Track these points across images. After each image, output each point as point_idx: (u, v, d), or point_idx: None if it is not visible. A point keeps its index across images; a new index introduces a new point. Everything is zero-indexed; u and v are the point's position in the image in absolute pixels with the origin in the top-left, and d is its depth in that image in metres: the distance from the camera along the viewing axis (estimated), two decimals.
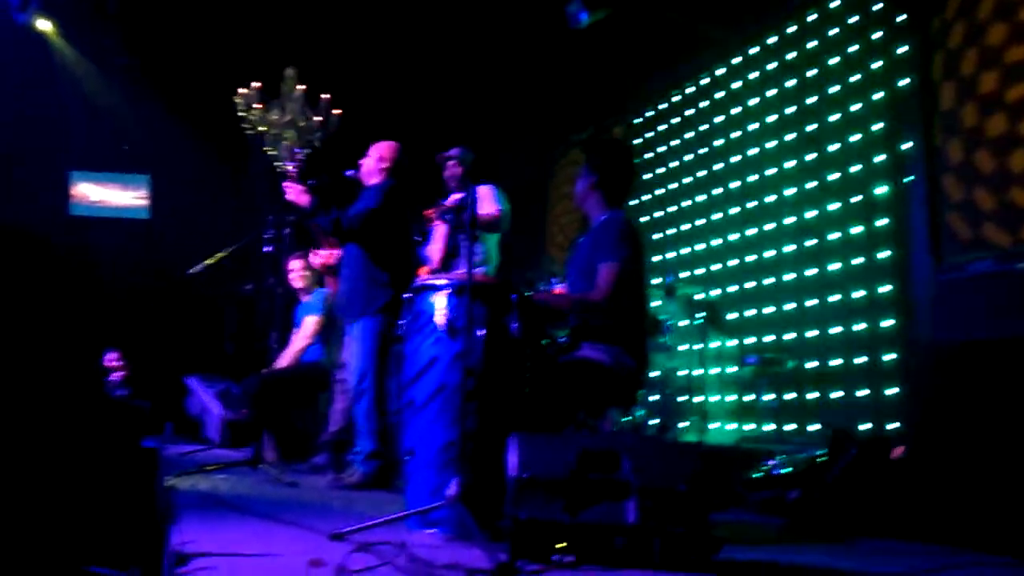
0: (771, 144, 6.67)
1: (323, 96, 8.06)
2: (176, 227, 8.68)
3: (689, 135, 7.80)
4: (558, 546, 2.14)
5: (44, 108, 8.70)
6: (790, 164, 6.43)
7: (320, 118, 8.04)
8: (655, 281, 6.19)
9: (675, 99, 8.07)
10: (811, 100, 6.29)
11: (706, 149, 7.50)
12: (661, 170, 8.16)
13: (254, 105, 7.86)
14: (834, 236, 5.90)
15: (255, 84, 7.85)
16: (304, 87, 8.04)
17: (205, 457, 5.04)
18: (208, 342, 7.49)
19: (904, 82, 5.39)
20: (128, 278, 8.57)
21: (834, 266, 5.87)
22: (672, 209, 7.90)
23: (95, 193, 9.54)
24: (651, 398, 6.03)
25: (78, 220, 9.28)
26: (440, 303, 2.72)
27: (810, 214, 6.16)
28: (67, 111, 8.82)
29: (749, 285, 6.70)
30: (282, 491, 3.64)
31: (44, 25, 8.41)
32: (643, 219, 8.17)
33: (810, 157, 6.22)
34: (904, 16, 5.39)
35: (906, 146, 5.31)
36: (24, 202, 8.53)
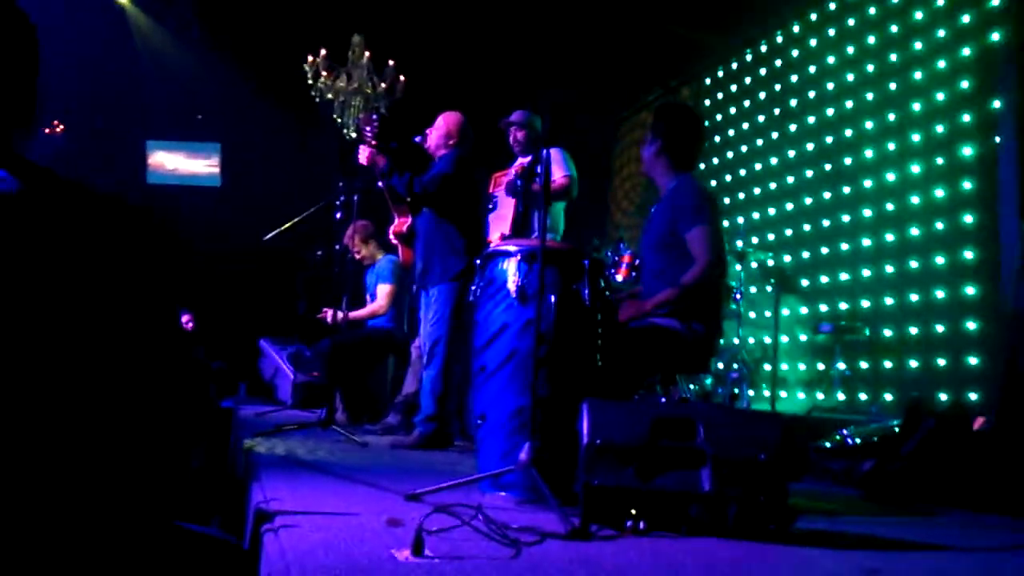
0: (849, 104, 6.45)
1: (389, 63, 8.10)
2: (248, 194, 8.89)
3: (762, 95, 7.59)
4: (631, 512, 2.14)
5: (121, 79, 8.96)
6: (869, 125, 6.21)
7: (386, 85, 8.08)
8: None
9: (747, 58, 7.84)
10: (893, 57, 6.04)
11: (779, 110, 7.29)
12: (731, 132, 7.98)
13: (322, 73, 7.95)
14: (916, 200, 5.69)
15: (323, 52, 7.93)
16: (370, 54, 8.09)
17: (279, 417, 5.18)
18: (281, 306, 7.69)
19: (995, 37, 5.11)
20: (203, 244, 8.84)
21: (915, 231, 5.67)
22: (743, 173, 7.73)
23: (170, 161, 9.83)
24: (720, 365, 5.96)
25: (155, 188, 9.59)
26: (511, 269, 2.72)
27: (890, 176, 5.95)
28: (143, 81, 9.07)
29: (824, 251, 6.54)
30: (354, 451, 3.73)
31: None
32: (712, 183, 8.01)
33: (892, 117, 5.99)
34: None
35: (996, 105, 5.06)
36: (102, 171, 8.84)
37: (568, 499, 2.31)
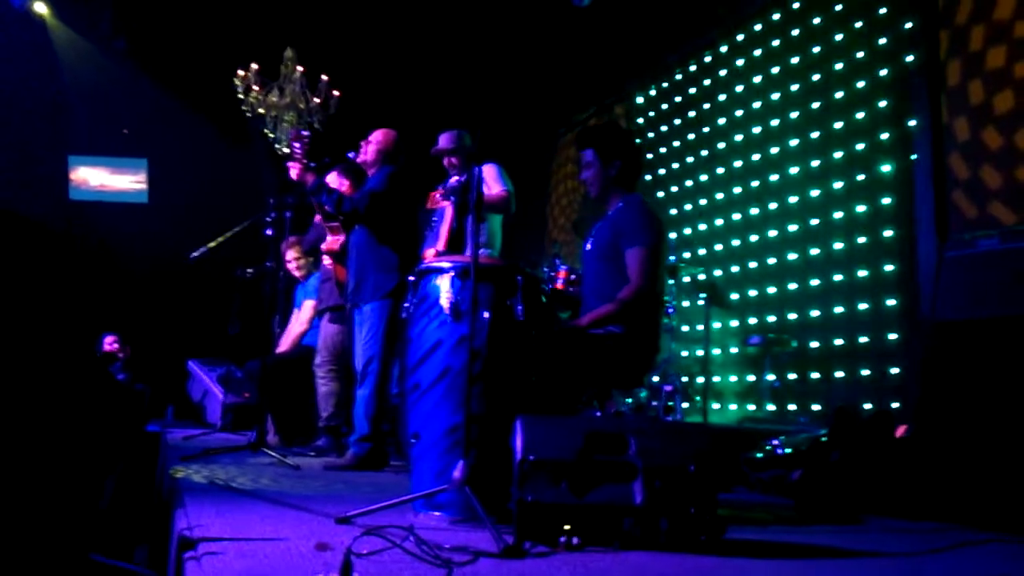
0: (775, 122, 6.63)
1: (323, 78, 8.01)
2: (176, 211, 8.65)
3: (691, 114, 7.75)
4: (565, 528, 2.13)
5: (43, 93, 8.65)
6: (794, 143, 6.39)
7: (320, 100, 8.00)
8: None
9: (677, 78, 8.01)
10: (816, 77, 6.24)
11: (708, 128, 7.46)
12: (663, 150, 8.12)
13: (253, 87, 7.83)
14: (838, 215, 5.87)
15: (254, 66, 7.81)
16: (303, 69, 7.99)
17: (207, 441, 5.04)
18: (210, 326, 7.49)
19: (910, 58, 5.33)
20: (129, 263, 8.56)
21: (838, 245, 5.85)
22: (674, 189, 7.87)
23: (95, 178, 9.50)
24: (655, 379, 6.02)
25: (78, 205, 9.25)
26: (444, 286, 2.69)
27: (814, 193, 6.13)
28: (66, 96, 8.77)
29: (752, 265, 6.69)
30: (285, 474, 3.64)
31: (41, 8, 8.33)
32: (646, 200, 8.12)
33: (815, 135, 6.18)
34: None
35: (912, 124, 5.27)
36: (22, 187, 8.50)
37: (503, 517, 2.29)
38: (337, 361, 4.88)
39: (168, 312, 8.38)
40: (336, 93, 8.01)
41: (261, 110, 7.89)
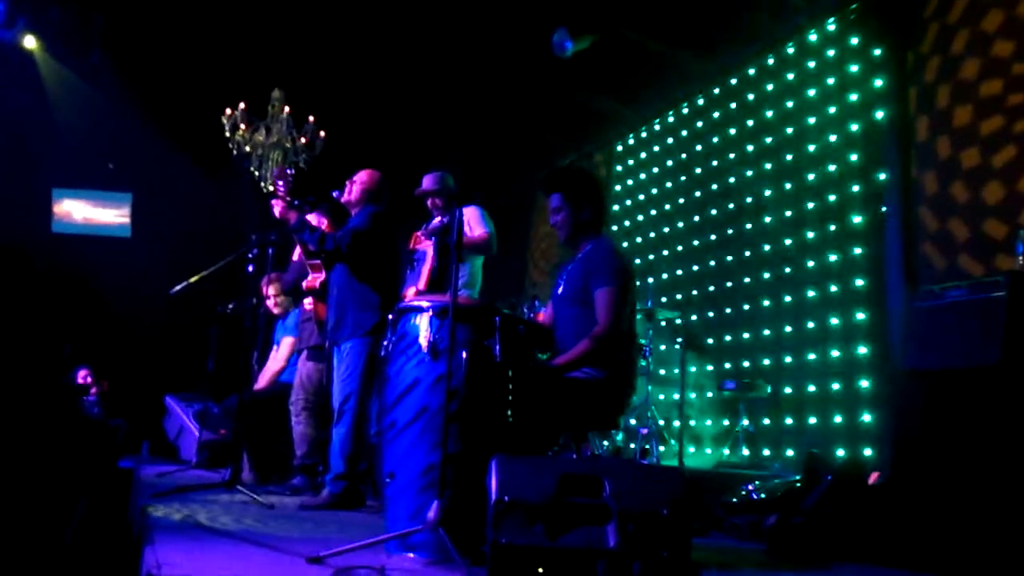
0: (749, 173, 6.73)
1: (309, 118, 8.06)
2: (159, 246, 8.58)
3: (669, 163, 7.86)
4: (539, 571, 2.09)
5: (28, 125, 8.61)
6: (768, 192, 6.48)
7: (306, 140, 8.03)
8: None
9: (656, 127, 8.14)
10: (790, 131, 6.36)
11: (685, 177, 7.56)
12: (641, 196, 8.22)
13: (240, 125, 7.85)
14: (811, 264, 5.94)
15: (241, 105, 7.84)
16: (290, 109, 8.04)
17: (182, 478, 4.94)
18: (189, 361, 7.39)
19: (879, 115, 5.46)
20: (110, 296, 8.46)
21: (811, 293, 5.90)
22: (652, 235, 7.94)
23: (78, 211, 9.43)
24: (631, 422, 6.00)
25: (61, 237, 9.16)
26: (423, 325, 2.69)
27: (788, 241, 6.20)
28: (52, 129, 8.74)
29: (727, 311, 6.73)
30: (259, 513, 3.57)
31: (30, 43, 8.34)
32: (624, 244, 8.20)
33: (788, 186, 6.28)
34: (880, 50, 5.48)
35: (882, 177, 5.37)
36: (6, 220, 8.42)
37: (478, 559, 2.26)
38: (313, 400, 4.83)
39: (147, 346, 8.26)
40: (322, 134, 8.05)
41: (248, 148, 7.90)
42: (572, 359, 3.06)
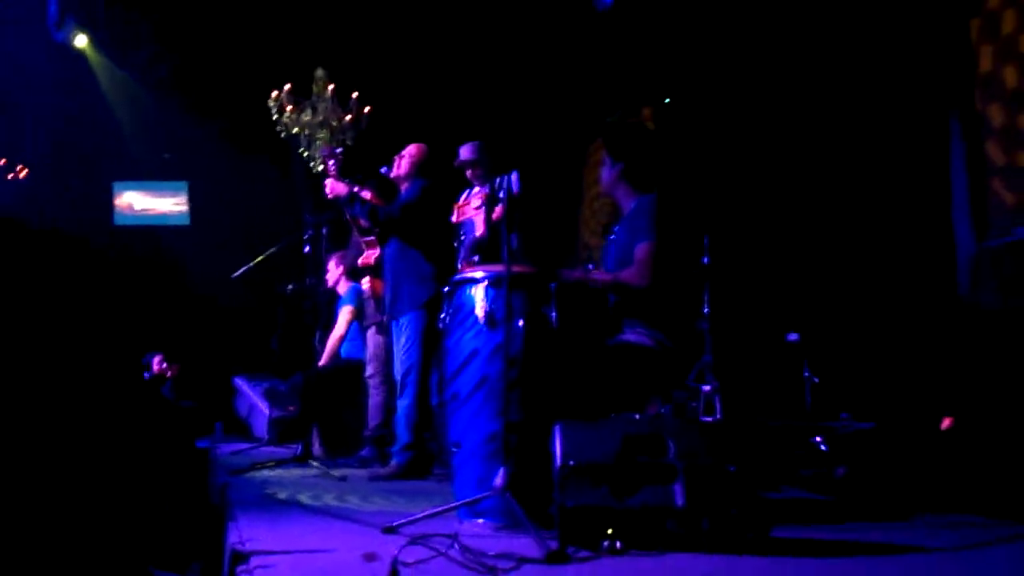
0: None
1: (353, 94, 8.11)
2: (218, 231, 8.81)
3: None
4: (607, 532, 2.13)
5: (86, 122, 8.88)
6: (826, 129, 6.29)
7: (351, 116, 8.10)
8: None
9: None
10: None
11: None
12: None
13: (287, 107, 7.95)
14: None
15: (287, 87, 7.93)
16: (334, 86, 8.10)
17: (256, 455, 5.12)
18: (255, 342, 7.61)
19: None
20: (175, 283, 8.74)
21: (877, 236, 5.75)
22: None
23: (139, 202, 9.73)
24: (694, 379, 5.96)
25: (123, 229, 9.47)
26: (479, 295, 2.72)
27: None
28: (108, 123, 8.99)
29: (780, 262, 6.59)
30: (332, 485, 3.68)
31: (81, 41, 8.57)
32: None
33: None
34: None
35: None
36: (70, 215, 8.74)
37: (545, 522, 2.30)
38: (387, 370, 4.92)
39: (214, 330, 8.52)
40: (366, 109, 8.10)
41: (295, 129, 8.00)
42: (592, 280, 3.04)
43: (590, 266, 3.91)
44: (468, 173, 4.72)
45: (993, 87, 4.80)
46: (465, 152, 4.70)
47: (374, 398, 4.91)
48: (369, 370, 4.99)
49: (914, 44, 5.48)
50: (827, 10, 5.85)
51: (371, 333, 5.09)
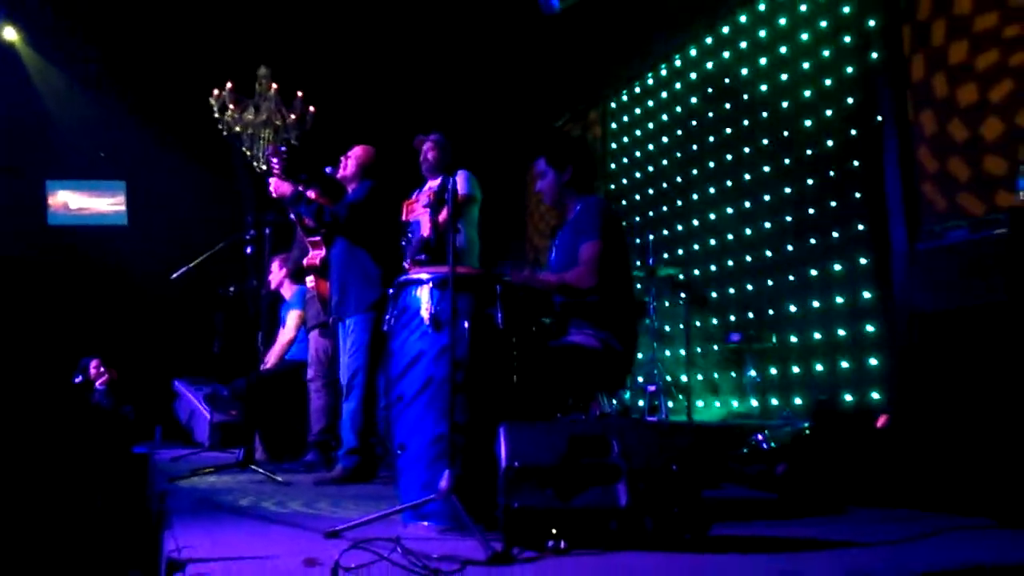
0: (746, 122, 6.68)
1: (297, 94, 8.00)
2: (157, 232, 8.59)
3: (664, 117, 7.80)
4: (552, 532, 2.13)
5: (18, 119, 8.57)
6: (765, 142, 6.45)
7: (295, 116, 7.98)
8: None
9: (649, 83, 8.07)
10: (784, 77, 6.30)
11: (681, 131, 7.51)
12: (637, 153, 8.17)
13: (229, 106, 7.79)
14: (811, 211, 5.93)
15: (228, 85, 7.77)
16: (277, 85, 7.97)
17: (197, 460, 5.00)
18: (195, 346, 7.44)
19: (874, 56, 5.40)
20: (112, 285, 8.49)
21: (812, 240, 5.90)
22: (650, 192, 7.92)
23: (74, 201, 9.42)
24: (639, 379, 6.04)
25: (58, 229, 9.16)
26: (424, 297, 2.70)
27: (787, 190, 6.18)
28: (41, 121, 8.69)
29: (729, 263, 6.73)
30: (275, 490, 3.62)
31: (10, 35, 8.26)
32: (623, 203, 8.18)
33: (786, 133, 6.24)
34: None
35: (879, 119, 5.33)
36: (1, 215, 8.42)
37: (491, 524, 2.30)
38: (329, 374, 4.88)
39: (153, 333, 8.31)
40: (311, 109, 7.99)
41: (238, 128, 7.86)
42: (538, 281, 3.05)
43: (537, 267, 3.92)
44: (421, 156, 4.64)
45: (924, 95, 4.97)
46: (434, 134, 4.62)
47: (315, 402, 4.86)
48: (310, 373, 4.92)
49: (851, 53, 5.65)
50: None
51: (314, 335, 5.04)
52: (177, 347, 7.99)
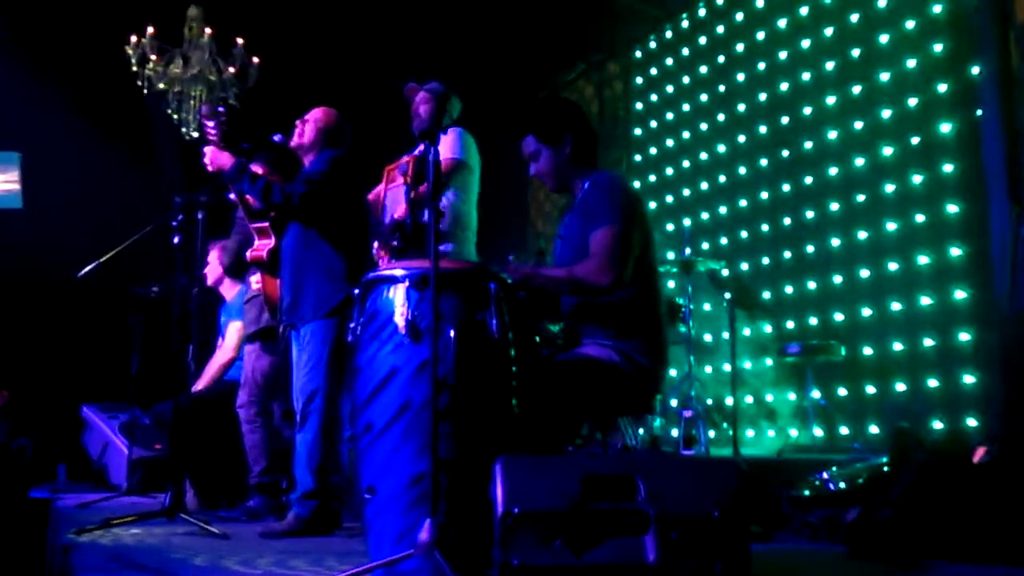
0: (806, 76, 6.69)
1: (237, 41, 8.00)
2: (58, 217, 8.58)
3: (703, 69, 7.81)
4: None
5: None
6: (831, 100, 6.45)
7: (235, 69, 7.98)
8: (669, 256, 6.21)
9: (683, 25, 8.07)
10: (855, 18, 6.31)
11: (724, 86, 7.52)
12: (670, 116, 8.18)
13: (150, 57, 7.79)
14: (890, 188, 5.93)
15: (150, 30, 7.78)
16: (212, 31, 7.97)
17: (111, 507, 5.01)
18: (107, 361, 7.44)
19: None
20: (1, 284, 8.48)
21: (891, 226, 5.91)
22: (685, 164, 7.92)
23: None
24: (672, 403, 6.05)
25: None
26: (399, 299, 2.70)
27: (859, 162, 6.19)
28: None
29: (786, 255, 6.74)
30: (211, 546, 3.63)
31: None
32: (651, 178, 8.19)
33: (856, 90, 6.25)
34: None
35: (975, 71, 5.33)
36: None
37: None
38: (266, 401, 4.88)
39: (54, 346, 8.30)
40: (256, 60, 7.99)
41: (162, 85, 7.86)
42: (541, 275, 3.06)
43: (544, 257, 3.92)
44: (412, 109, 4.61)
45: None
46: (431, 83, 4.56)
47: (251, 436, 4.86)
48: (241, 398, 4.92)
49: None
50: None
51: (250, 350, 5.02)
52: (86, 363, 7.99)
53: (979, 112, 5.29)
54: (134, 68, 7.79)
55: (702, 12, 7.84)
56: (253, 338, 5.03)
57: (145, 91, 7.87)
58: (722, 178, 7.46)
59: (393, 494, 2.62)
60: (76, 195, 8.69)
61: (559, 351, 3.19)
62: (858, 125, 6.22)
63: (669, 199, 7.95)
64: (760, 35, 7.16)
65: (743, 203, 7.20)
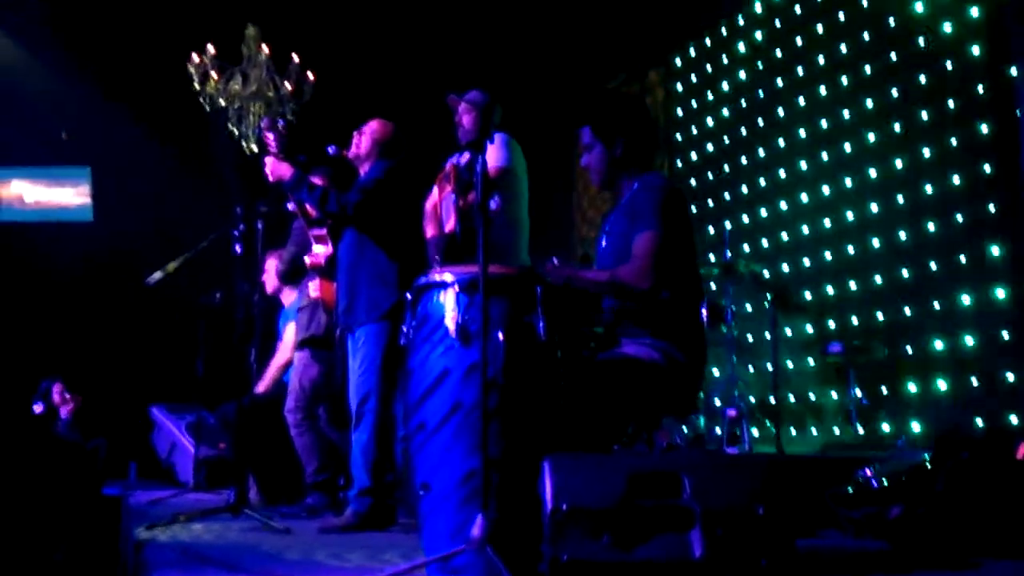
0: (845, 79, 6.62)
1: (293, 58, 8.09)
2: (127, 228, 8.73)
3: (742, 75, 7.75)
4: None
5: None
6: (870, 103, 6.37)
7: (291, 85, 8.07)
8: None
9: (722, 32, 8.02)
10: (892, 22, 6.23)
11: (763, 91, 7.45)
12: (710, 121, 8.12)
13: (211, 75, 7.91)
14: (929, 189, 5.85)
15: (211, 49, 7.89)
16: (269, 49, 8.06)
17: (178, 503, 5.08)
18: (174, 365, 7.55)
19: None
20: (75, 293, 8.65)
21: (931, 226, 5.83)
22: (726, 168, 7.87)
23: (30, 193, 9.62)
24: (715, 402, 6.00)
25: (10, 227, 9.36)
26: (449, 303, 2.71)
27: (898, 163, 6.11)
28: None
29: (827, 257, 6.66)
30: (273, 540, 3.66)
31: None
32: (692, 182, 8.14)
33: (895, 92, 6.17)
34: None
35: (1012, 72, 5.24)
36: None
37: None
38: (312, 407, 4.90)
39: (124, 351, 8.45)
40: (311, 76, 8.07)
41: (222, 102, 7.97)
42: (583, 281, 3.03)
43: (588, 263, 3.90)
44: (455, 119, 4.59)
45: None
46: (473, 93, 4.51)
47: (299, 439, 4.88)
48: (289, 403, 4.94)
49: None
50: None
51: (300, 356, 5.02)
52: (154, 367, 8.11)
53: (1019, 112, 5.20)
54: (196, 86, 7.90)
55: (740, 20, 7.78)
56: (303, 345, 5.06)
57: (207, 107, 7.98)
58: (762, 181, 7.39)
59: (446, 491, 2.63)
60: (143, 207, 8.84)
61: (598, 351, 3.17)
62: (896, 127, 6.14)
63: (710, 202, 7.90)
64: (798, 40, 7.09)
65: (783, 206, 7.13)
